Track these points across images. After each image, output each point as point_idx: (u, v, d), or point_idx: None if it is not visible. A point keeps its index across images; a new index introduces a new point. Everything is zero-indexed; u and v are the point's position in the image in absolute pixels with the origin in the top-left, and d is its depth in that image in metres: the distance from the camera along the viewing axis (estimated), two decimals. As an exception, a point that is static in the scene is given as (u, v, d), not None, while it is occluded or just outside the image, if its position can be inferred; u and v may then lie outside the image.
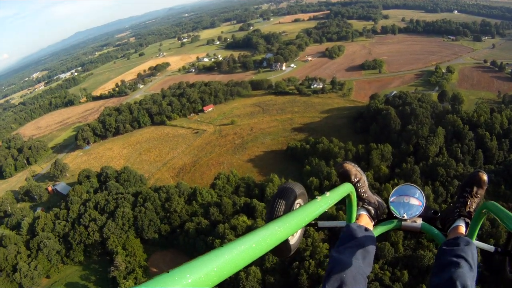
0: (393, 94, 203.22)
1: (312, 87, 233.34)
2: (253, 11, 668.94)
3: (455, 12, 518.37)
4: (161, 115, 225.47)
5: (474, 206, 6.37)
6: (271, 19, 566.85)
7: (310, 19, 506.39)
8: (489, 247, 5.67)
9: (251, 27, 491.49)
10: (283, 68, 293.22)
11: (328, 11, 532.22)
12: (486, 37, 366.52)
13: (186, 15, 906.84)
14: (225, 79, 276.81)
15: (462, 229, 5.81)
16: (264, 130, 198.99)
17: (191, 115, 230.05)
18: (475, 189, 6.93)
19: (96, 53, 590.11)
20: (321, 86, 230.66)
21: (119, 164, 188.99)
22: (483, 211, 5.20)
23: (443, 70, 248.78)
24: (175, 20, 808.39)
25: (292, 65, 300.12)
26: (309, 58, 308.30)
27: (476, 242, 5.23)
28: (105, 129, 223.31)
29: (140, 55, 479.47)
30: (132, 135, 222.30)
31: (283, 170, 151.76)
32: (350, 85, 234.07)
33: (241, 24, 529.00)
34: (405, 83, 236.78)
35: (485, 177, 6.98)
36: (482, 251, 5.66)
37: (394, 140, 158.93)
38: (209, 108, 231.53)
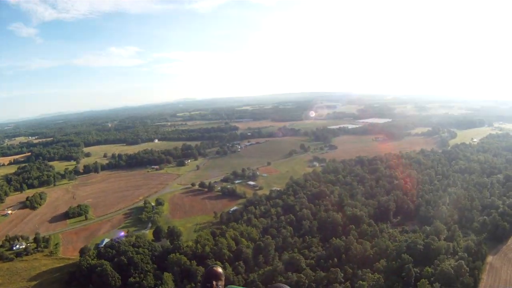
0: (104, 243, 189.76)
1: (14, 248, 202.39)
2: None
3: (156, 141, 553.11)
4: None
5: None
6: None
7: (10, 163, 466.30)
8: None
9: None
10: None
11: (30, 153, 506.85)
12: (189, 160, 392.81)
13: None
14: None
15: None
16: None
17: None
18: (214, 282, 9.07)
19: None
20: (24, 246, 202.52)
21: None
22: None
23: (153, 204, 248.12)
24: None
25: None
26: (9, 212, 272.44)
27: None
28: None
29: None
30: None
31: None
32: (57, 240, 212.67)
33: None
34: (115, 226, 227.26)
35: (219, 269, 9.48)
36: None
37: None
38: None
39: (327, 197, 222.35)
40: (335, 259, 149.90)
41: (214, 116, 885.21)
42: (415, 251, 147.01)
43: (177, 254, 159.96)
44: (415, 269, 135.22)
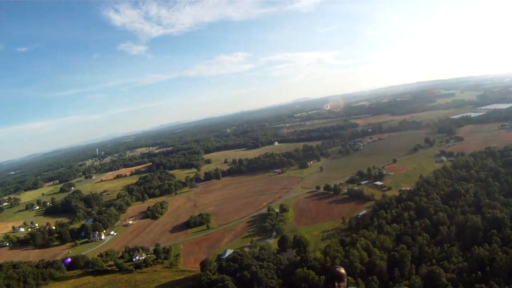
0: (226, 255, 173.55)
1: (134, 259, 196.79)
2: (76, 169, 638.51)
3: (276, 143, 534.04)
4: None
5: None
6: (93, 177, 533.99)
7: (132, 173, 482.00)
8: None
9: (72, 188, 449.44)
10: (102, 237, 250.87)
11: (150, 163, 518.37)
12: (312, 162, 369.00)
13: (12, 173, 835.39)
14: (39, 255, 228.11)
15: None
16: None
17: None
18: (336, 284, 8.93)
19: None
20: (143, 258, 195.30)
21: None
22: None
23: (277, 210, 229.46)
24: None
25: (112, 232, 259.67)
26: (130, 222, 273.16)
27: None
28: None
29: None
30: None
31: None
32: (177, 251, 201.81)
33: (62, 185, 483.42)
34: (238, 236, 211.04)
35: (342, 270, 9.37)
36: None
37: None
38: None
39: (462, 197, 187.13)
40: (479, 272, 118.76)
41: (332, 114, 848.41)
42: None
43: (305, 268, 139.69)
44: None
